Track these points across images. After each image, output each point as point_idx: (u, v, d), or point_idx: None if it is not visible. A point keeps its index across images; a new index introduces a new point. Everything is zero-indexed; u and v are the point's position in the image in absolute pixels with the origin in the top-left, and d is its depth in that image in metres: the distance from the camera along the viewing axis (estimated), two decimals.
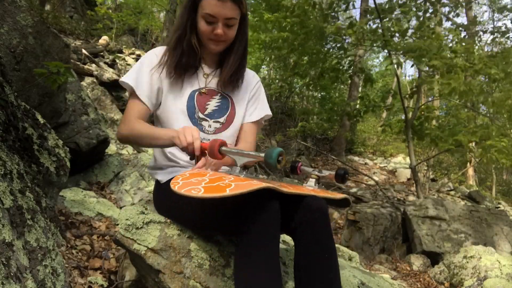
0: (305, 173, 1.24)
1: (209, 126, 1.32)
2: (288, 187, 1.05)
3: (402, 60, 4.86)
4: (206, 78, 1.36)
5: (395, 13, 5.72)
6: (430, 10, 5.79)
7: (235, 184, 0.96)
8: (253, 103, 1.43)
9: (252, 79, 1.45)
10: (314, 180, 1.21)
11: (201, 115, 1.31)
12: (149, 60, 1.32)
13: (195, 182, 0.98)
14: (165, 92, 1.31)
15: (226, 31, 1.24)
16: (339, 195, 1.15)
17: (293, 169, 1.25)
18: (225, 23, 1.23)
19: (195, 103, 1.31)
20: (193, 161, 1.16)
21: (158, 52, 1.34)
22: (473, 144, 5.79)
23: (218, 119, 1.33)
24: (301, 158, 7.67)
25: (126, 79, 1.28)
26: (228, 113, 1.36)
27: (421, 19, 5.70)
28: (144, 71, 1.30)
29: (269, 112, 1.46)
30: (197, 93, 1.33)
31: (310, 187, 1.19)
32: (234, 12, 1.22)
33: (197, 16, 1.25)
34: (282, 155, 1.02)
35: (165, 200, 1.30)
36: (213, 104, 1.34)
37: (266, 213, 0.99)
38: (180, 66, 1.29)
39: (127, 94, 6.95)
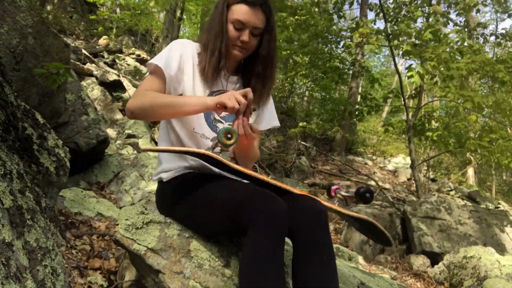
0: (337, 194, 1.23)
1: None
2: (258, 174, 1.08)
3: (422, 68, 4.82)
4: (227, 82, 1.36)
5: (402, 13, 5.72)
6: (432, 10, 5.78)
7: (185, 148, 1.15)
8: (262, 114, 1.43)
9: None
10: (337, 199, 1.21)
11: (216, 117, 1.32)
12: (178, 47, 1.31)
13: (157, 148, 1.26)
14: (185, 86, 1.29)
15: (251, 39, 1.26)
16: (351, 213, 1.13)
17: (328, 192, 1.25)
18: (251, 31, 1.25)
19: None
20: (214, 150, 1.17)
21: (185, 44, 1.33)
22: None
23: (232, 123, 1.34)
24: (301, 158, 7.67)
25: (154, 60, 1.26)
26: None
27: (425, 19, 5.69)
28: (173, 55, 1.28)
29: (277, 123, 1.45)
30: (215, 94, 1.32)
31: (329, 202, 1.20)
32: (262, 23, 1.25)
33: (228, 20, 1.26)
34: (230, 132, 1.06)
35: (168, 199, 1.30)
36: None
37: (272, 214, 0.99)
38: (215, 69, 1.28)
39: (127, 94, 6.97)
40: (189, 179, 1.26)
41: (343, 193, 1.21)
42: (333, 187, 1.25)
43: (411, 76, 4.85)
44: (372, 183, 7.36)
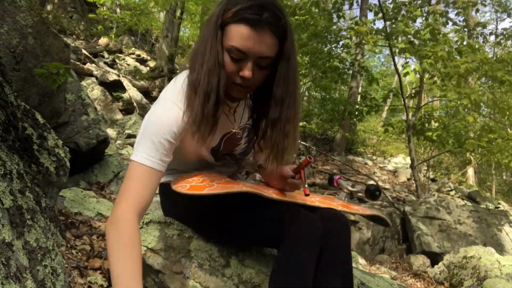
0: (341, 186, 1.25)
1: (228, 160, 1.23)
2: (291, 196, 1.08)
3: (418, 66, 4.83)
4: (234, 115, 1.08)
5: (401, 13, 5.73)
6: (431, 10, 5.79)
7: (217, 185, 0.99)
8: None
9: None
10: (344, 194, 1.24)
11: (224, 153, 1.17)
12: (170, 129, 0.94)
13: (189, 180, 1.05)
14: (186, 145, 1.03)
15: (255, 73, 0.91)
16: (366, 211, 1.16)
17: (330, 181, 1.27)
18: (256, 62, 0.90)
19: (221, 147, 1.12)
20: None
21: (179, 104, 0.95)
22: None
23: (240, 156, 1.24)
24: (301, 158, 7.67)
25: (142, 159, 0.92)
26: (251, 152, 1.24)
27: (424, 19, 5.70)
28: (162, 143, 0.93)
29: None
30: (225, 138, 1.10)
31: (340, 200, 1.22)
32: (272, 50, 0.90)
33: (223, 44, 0.91)
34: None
35: (186, 207, 1.20)
36: (240, 148, 1.18)
37: (312, 229, 1.01)
38: (213, 119, 0.93)
39: (127, 94, 6.96)
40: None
41: (350, 188, 1.23)
42: (336, 177, 1.27)
43: (407, 73, 4.85)
44: (372, 183, 7.36)
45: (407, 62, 5.58)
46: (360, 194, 1.22)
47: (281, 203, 1.08)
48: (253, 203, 1.07)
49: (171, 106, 0.95)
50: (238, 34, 0.87)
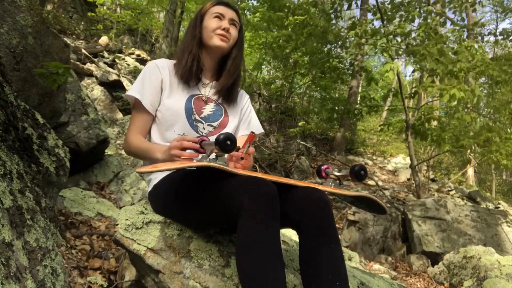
0: (329, 175, 1.23)
1: (203, 128, 1.39)
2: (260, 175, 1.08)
3: (402, 61, 4.83)
4: (204, 88, 1.46)
5: (399, 13, 5.71)
6: (433, 12, 5.78)
7: (179, 163, 1.05)
8: (245, 121, 1.53)
9: (242, 96, 1.55)
10: (331, 180, 1.21)
11: (197, 117, 1.39)
12: (150, 69, 1.40)
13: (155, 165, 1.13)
14: (166, 94, 1.39)
15: (231, 29, 1.41)
16: (351, 193, 1.13)
17: (318, 173, 1.25)
18: (230, 22, 1.40)
19: (192, 105, 1.40)
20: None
21: (159, 63, 1.43)
22: (474, 145, 5.78)
23: (211, 123, 1.42)
24: (301, 158, 7.67)
25: (130, 92, 1.36)
26: (221, 119, 1.44)
27: (422, 19, 5.69)
28: (146, 79, 1.38)
29: (262, 130, 1.57)
30: (194, 97, 1.42)
31: (326, 187, 1.19)
32: (236, 17, 1.44)
33: (203, 23, 1.41)
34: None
35: (161, 198, 1.30)
36: (208, 109, 1.44)
37: (261, 195, 0.99)
38: (188, 74, 1.39)
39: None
40: (179, 176, 1.26)
41: (336, 173, 1.20)
42: (323, 167, 1.24)
43: (386, 71, 4.81)
44: (372, 183, 7.36)
45: (386, 62, 5.50)
46: (346, 181, 1.19)
47: (232, 176, 1.07)
48: (214, 177, 1.11)
49: (152, 63, 1.44)
50: (218, 8, 1.41)
